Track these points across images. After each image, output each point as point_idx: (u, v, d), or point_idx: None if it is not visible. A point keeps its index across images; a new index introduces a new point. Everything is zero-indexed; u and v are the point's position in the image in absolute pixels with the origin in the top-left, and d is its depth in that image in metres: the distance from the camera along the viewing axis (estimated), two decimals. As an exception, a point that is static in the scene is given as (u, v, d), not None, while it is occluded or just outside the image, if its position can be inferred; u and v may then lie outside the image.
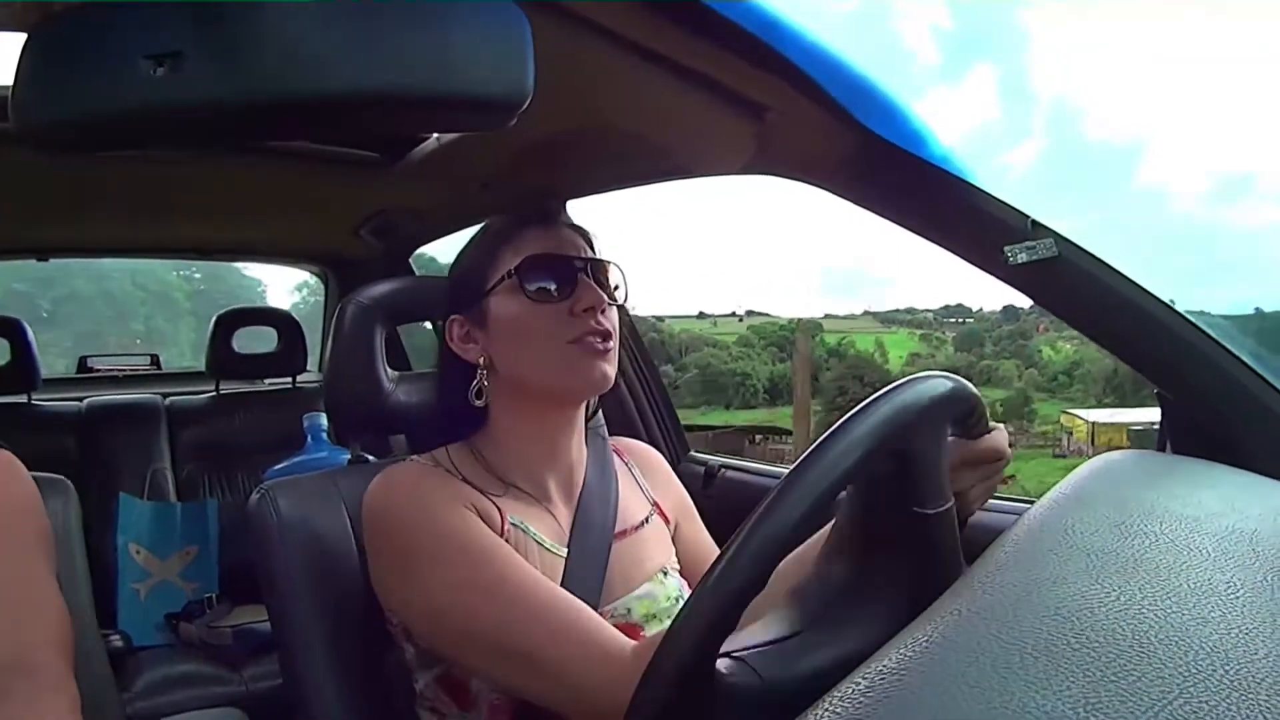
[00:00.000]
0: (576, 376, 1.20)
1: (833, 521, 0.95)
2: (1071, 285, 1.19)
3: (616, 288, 1.27)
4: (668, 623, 1.16)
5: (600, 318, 1.21)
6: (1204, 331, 1.18)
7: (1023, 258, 1.16)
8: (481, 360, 1.25)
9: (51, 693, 1.02)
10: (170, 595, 2.77)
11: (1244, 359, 1.18)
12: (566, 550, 1.22)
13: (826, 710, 0.53)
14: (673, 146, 1.58)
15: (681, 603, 1.18)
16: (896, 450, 0.86)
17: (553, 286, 1.22)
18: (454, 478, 1.20)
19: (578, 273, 1.22)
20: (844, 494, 0.90)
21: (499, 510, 1.18)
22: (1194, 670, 0.54)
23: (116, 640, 2.54)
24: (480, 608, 1.08)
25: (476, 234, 1.31)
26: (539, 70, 0.72)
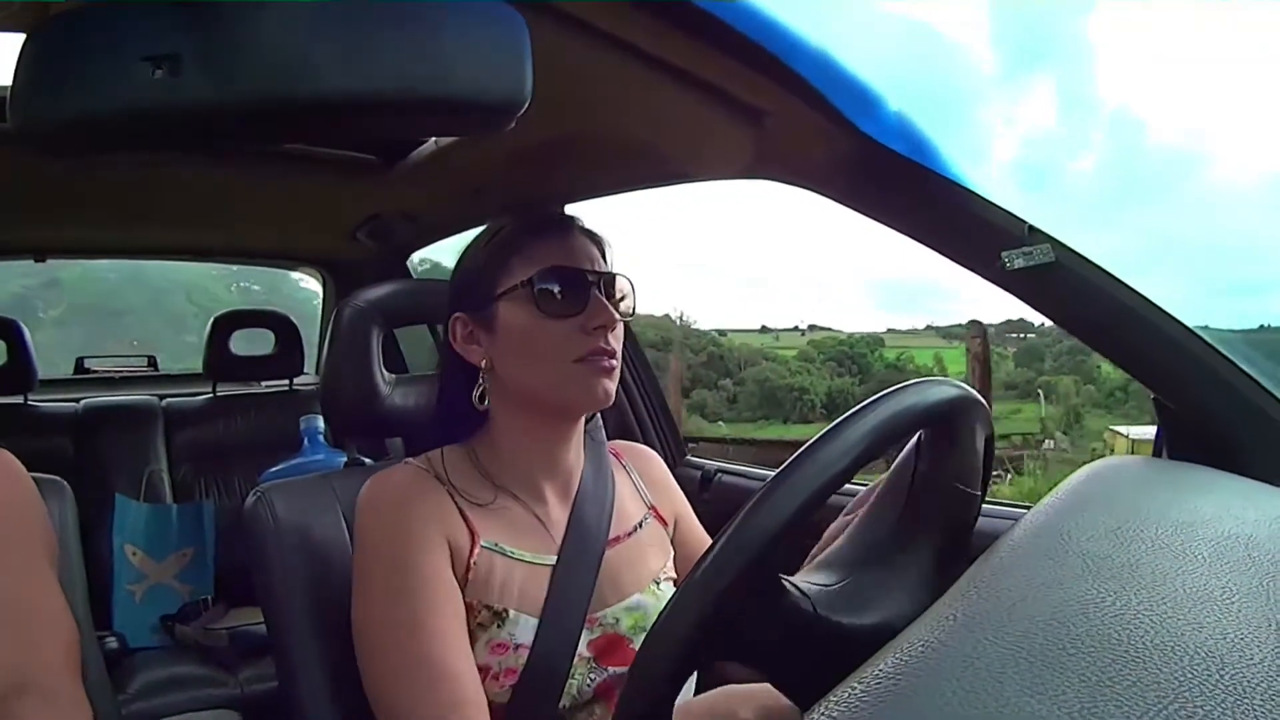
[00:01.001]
0: (580, 393, 1.20)
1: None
2: (1069, 291, 1.19)
3: (624, 298, 1.26)
4: None
5: (609, 336, 1.20)
6: (1201, 338, 1.18)
7: (1020, 263, 1.17)
8: (484, 363, 1.24)
9: (72, 716, 1.04)
10: (166, 597, 2.76)
11: (1241, 365, 1.18)
12: (555, 558, 1.22)
13: (824, 713, 0.53)
14: (670, 151, 1.58)
15: None
16: (947, 429, 0.94)
17: (565, 301, 1.20)
18: (441, 488, 1.20)
19: (591, 287, 1.21)
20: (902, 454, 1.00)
21: (474, 534, 1.18)
22: (1189, 676, 0.54)
23: (112, 642, 2.54)
24: (379, 642, 1.13)
25: (485, 233, 1.29)
26: (537, 74, 0.72)
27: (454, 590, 1.14)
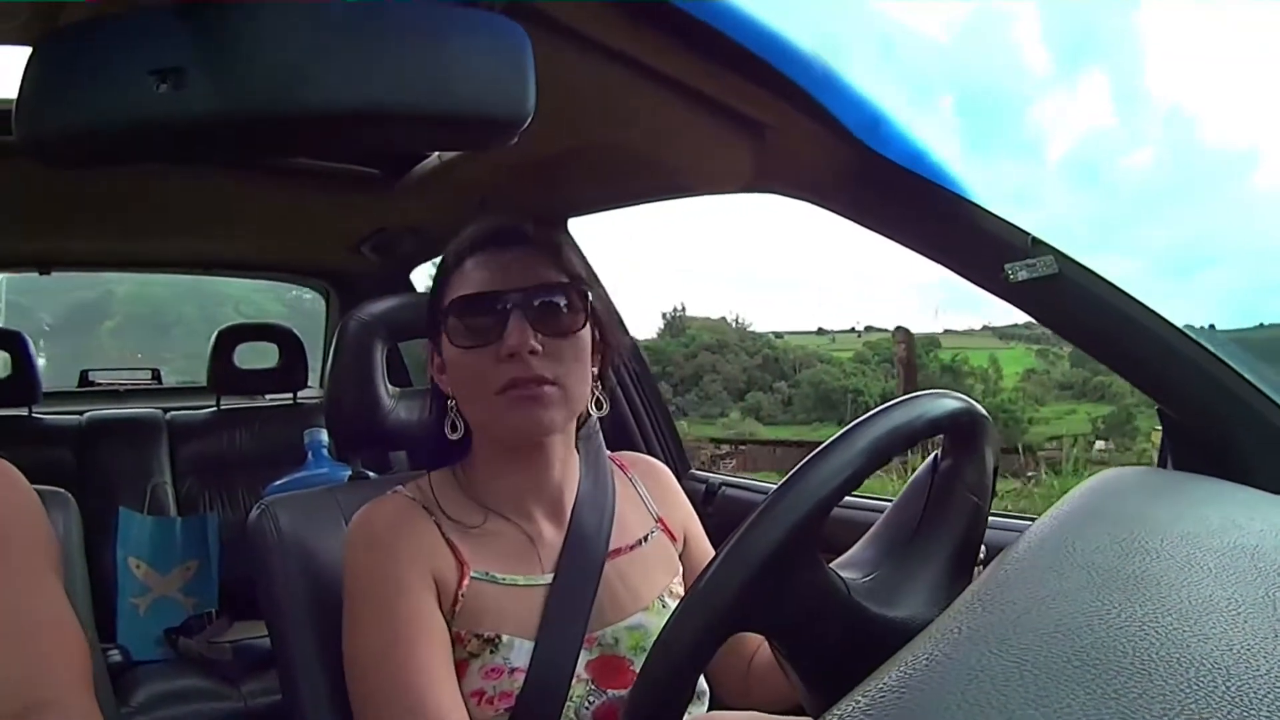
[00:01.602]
0: (505, 427, 1.16)
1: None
2: (1072, 302, 1.19)
3: (565, 313, 1.16)
4: None
5: (534, 361, 1.12)
6: (1205, 347, 1.18)
7: (1023, 275, 1.17)
8: (449, 391, 1.21)
9: None
10: (170, 610, 2.76)
11: (1245, 375, 1.17)
12: (552, 576, 1.19)
13: (827, 728, 0.53)
14: (673, 164, 1.58)
15: None
16: (966, 439, 0.95)
17: (477, 331, 1.14)
18: (429, 519, 1.18)
19: (511, 312, 1.13)
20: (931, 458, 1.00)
21: (463, 565, 1.16)
22: (1196, 687, 0.54)
23: (116, 655, 2.54)
24: (364, 671, 1.13)
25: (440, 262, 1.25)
26: (540, 88, 0.72)
27: (438, 625, 1.13)
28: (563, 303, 1.16)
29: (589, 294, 1.19)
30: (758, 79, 1.09)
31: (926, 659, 0.59)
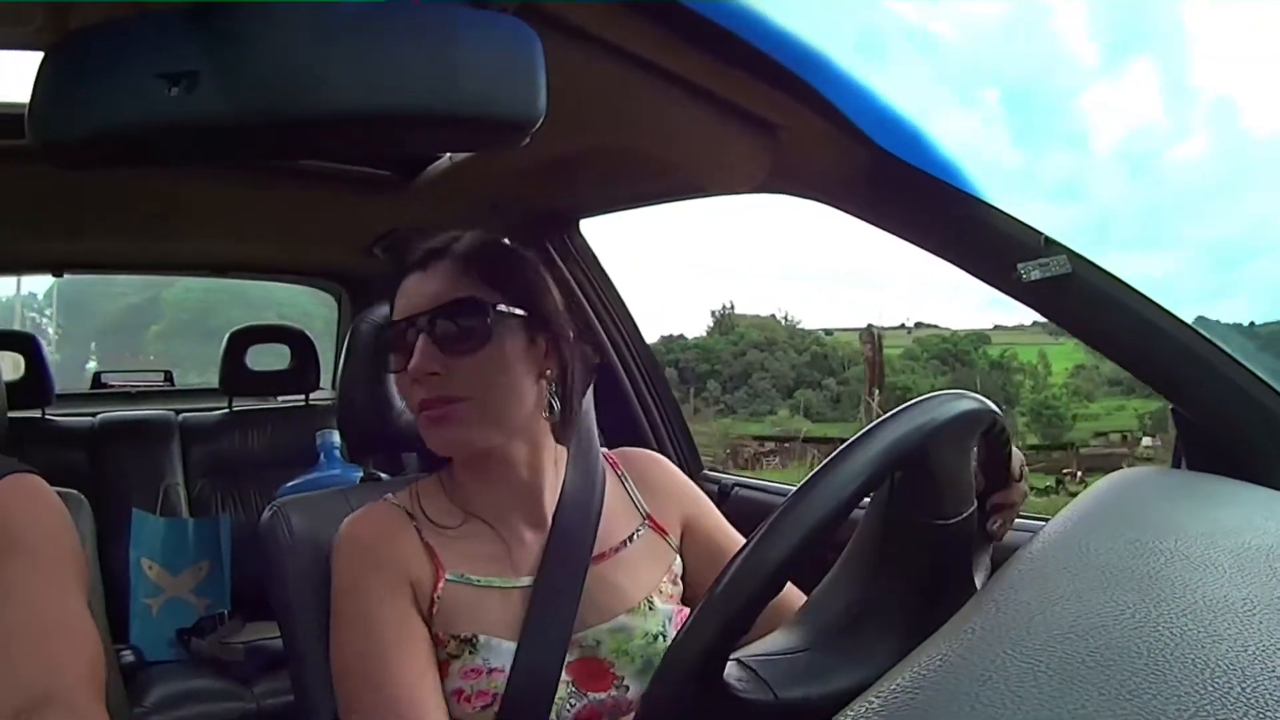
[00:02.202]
0: (429, 444, 1.19)
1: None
2: (1085, 302, 1.19)
3: (480, 327, 1.15)
4: (639, 661, 1.17)
5: (437, 381, 1.14)
6: (1219, 347, 1.17)
7: (1036, 275, 1.16)
8: None
9: None
10: (182, 611, 2.77)
11: (1260, 374, 1.17)
12: (529, 580, 1.19)
13: (840, 728, 0.53)
14: (685, 165, 1.58)
15: (661, 640, 1.19)
16: (916, 463, 0.86)
17: (398, 356, 1.18)
18: (409, 525, 1.20)
19: (418, 335, 1.15)
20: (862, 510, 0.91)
21: (439, 568, 1.17)
22: (1210, 688, 0.53)
23: (128, 655, 2.55)
24: (345, 670, 1.15)
25: None
26: (551, 89, 0.72)
27: (418, 630, 1.15)
28: (462, 321, 1.16)
29: (494, 306, 1.17)
30: (769, 78, 1.09)
31: (940, 659, 0.59)
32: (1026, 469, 1.06)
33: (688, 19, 1.01)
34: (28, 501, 1.12)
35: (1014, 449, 1.02)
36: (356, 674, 1.13)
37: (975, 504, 0.94)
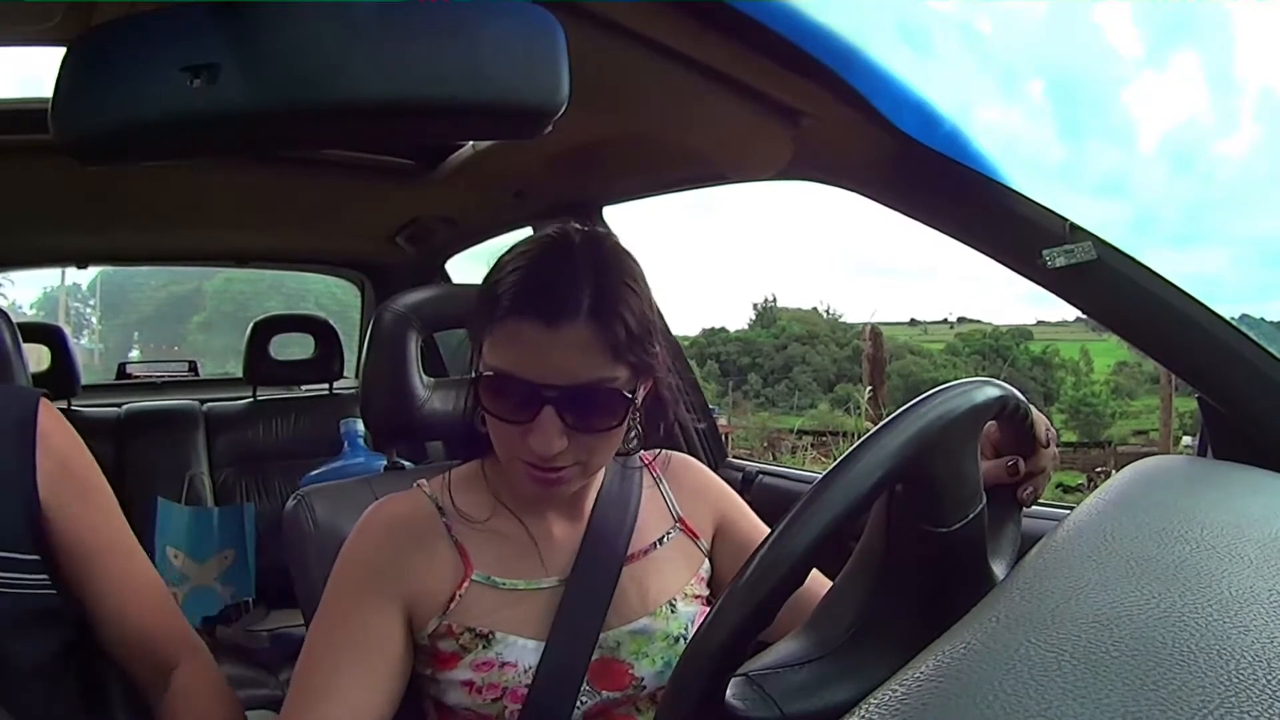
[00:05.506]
0: (519, 487, 1.13)
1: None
2: (1110, 289, 1.18)
3: (617, 412, 1.08)
4: (659, 663, 1.17)
5: (558, 456, 1.06)
6: (1246, 335, 1.16)
7: (1061, 261, 1.15)
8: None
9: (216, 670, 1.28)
10: (207, 599, 2.79)
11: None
12: (557, 580, 1.18)
13: (863, 716, 0.53)
14: (709, 152, 1.58)
15: (683, 642, 1.18)
16: (913, 471, 0.84)
17: (510, 407, 1.06)
18: (438, 520, 1.18)
19: (543, 405, 1.04)
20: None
21: (468, 565, 1.15)
22: (1236, 679, 0.53)
23: (154, 643, 2.57)
24: (302, 653, 1.13)
25: (490, 273, 1.13)
26: (574, 77, 0.72)
27: (385, 643, 1.12)
28: (599, 407, 1.07)
29: (630, 393, 1.08)
30: (793, 65, 1.09)
31: (964, 647, 0.59)
32: (1054, 432, 1.04)
33: (709, 6, 1.00)
34: (71, 432, 1.22)
35: (1037, 414, 1.01)
36: (305, 659, 1.11)
37: (984, 501, 0.92)
